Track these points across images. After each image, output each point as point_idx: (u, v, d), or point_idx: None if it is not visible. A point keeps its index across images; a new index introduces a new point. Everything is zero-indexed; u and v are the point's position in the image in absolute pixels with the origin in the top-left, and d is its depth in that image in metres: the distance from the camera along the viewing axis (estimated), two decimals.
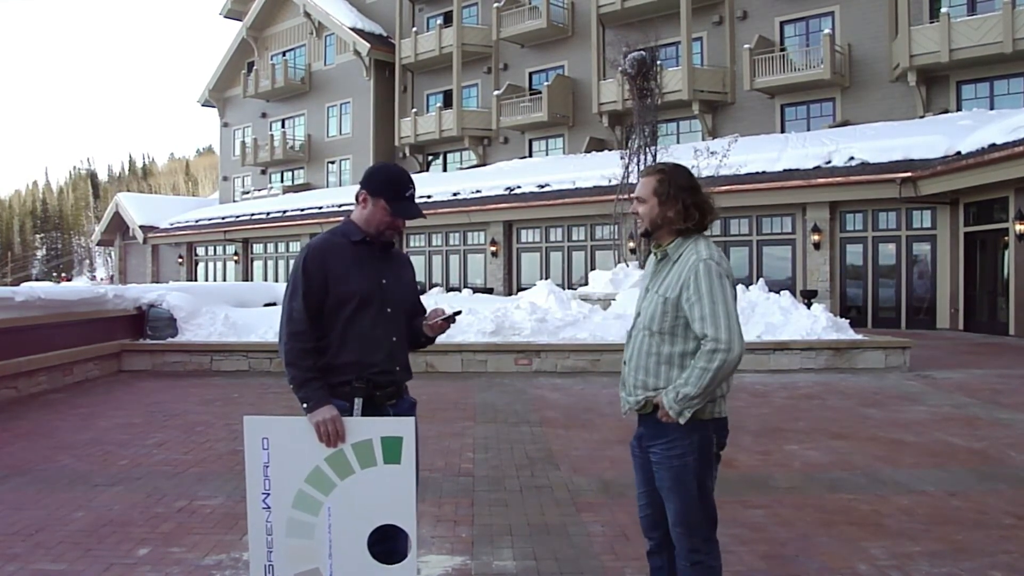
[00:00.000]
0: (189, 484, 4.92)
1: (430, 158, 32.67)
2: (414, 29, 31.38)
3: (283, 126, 36.86)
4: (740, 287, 11.48)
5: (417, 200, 2.73)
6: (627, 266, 15.57)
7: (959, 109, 19.70)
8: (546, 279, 17.19)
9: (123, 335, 10.86)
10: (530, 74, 28.71)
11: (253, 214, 33.13)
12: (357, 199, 2.68)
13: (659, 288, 2.51)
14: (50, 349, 9.01)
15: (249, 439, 2.48)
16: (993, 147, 14.74)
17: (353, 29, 32.48)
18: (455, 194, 25.02)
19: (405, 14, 32.19)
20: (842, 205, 18.43)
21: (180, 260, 37.96)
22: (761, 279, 13.90)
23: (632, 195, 2.67)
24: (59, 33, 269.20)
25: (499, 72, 29.33)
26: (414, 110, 31.47)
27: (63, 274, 79.17)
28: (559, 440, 6.18)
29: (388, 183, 2.65)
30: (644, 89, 16.53)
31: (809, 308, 11.42)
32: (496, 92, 28.36)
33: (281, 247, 32.94)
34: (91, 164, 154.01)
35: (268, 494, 2.46)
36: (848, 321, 11.52)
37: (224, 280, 34.09)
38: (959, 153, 15.83)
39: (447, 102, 30.91)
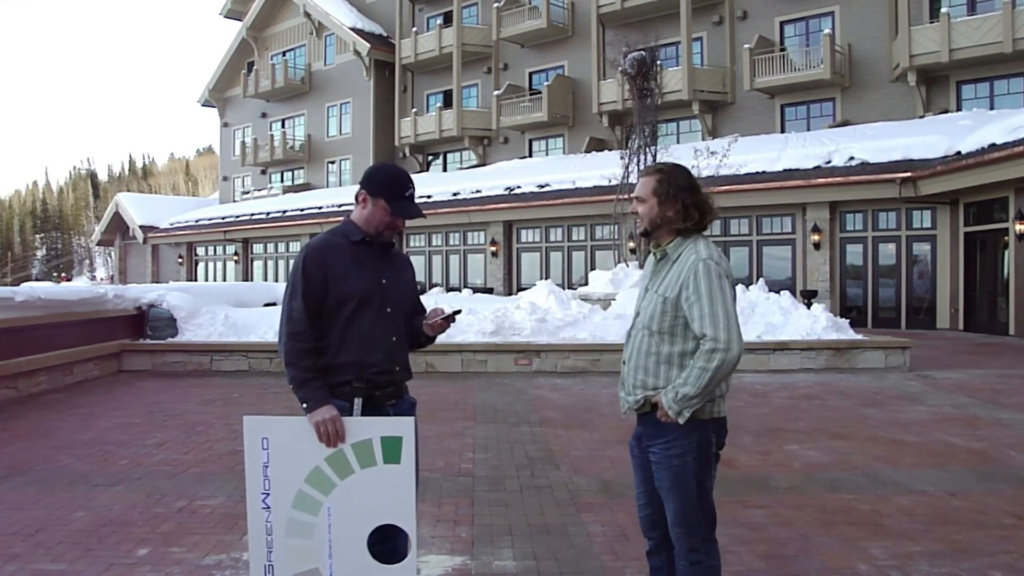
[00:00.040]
0: (189, 484, 4.92)
1: (430, 158, 32.68)
2: (414, 29, 31.39)
3: (283, 126, 36.87)
4: (740, 287, 11.48)
5: (417, 200, 2.73)
6: (627, 266, 15.57)
7: (959, 109, 19.70)
8: (546, 279, 17.18)
9: (123, 335, 10.86)
10: (530, 74, 28.71)
11: (253, 214, 33.13)
12: (357, 199, 2.68)
13: (658, 288, 2.51)
14: (50, 349, 9.01)
15: (249, 439, 2.48)
16: (993, 147, 14.74)
17: (353, 29, 32.49)
18: (455, 194, 25.02)
19: (405, 14, 32.20)
20: (842, 205, 18.43)
21: (180, 260, 37.97)
22: (761, 279, 13.89)
23: (632, 195, 2.67)
24: (59, 33, 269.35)
25: (499, 72, 29.33)
26: (414, 110, 31.48)
27: (63, 274, 79.18)
28: (559, 440, 6.18)
29: (388, 183, 2.65)
30: (644, 89, 16.54)
31: (809, 308, 11.42)
32: (496, 92, 28.36)
33: (281, 247, 32.94)
34: (91, 164, 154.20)
35: (268, 494, 2.46)
36: (848, 321, 11.51)
37: (224, 280, 34.10)
38: (959, 153, 15.83)
39: (447, 102, 30.91)
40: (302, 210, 30.21)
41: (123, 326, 10.90)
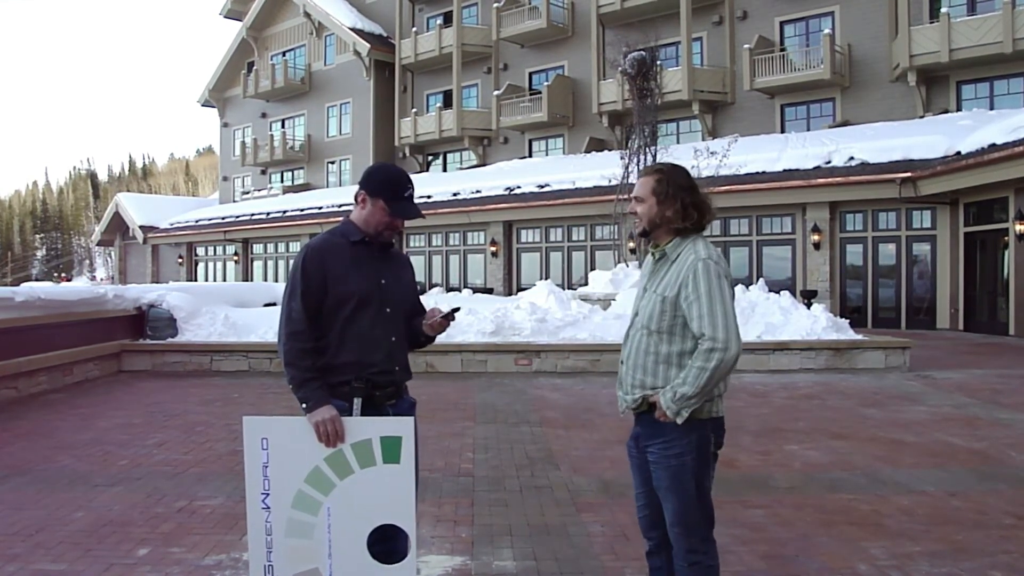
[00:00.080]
0: (189, 484, 4.92)
1: (430, 158, 32.68)
2: (414, 29, 31.39)
3: (283, 126, 36.88)
4: (740, 287, 11.50)
5: (417, 200, 2.73)
6: (627, 266, 15.57)
7: (959, 109, 19.71)
8: (546, 279, 17.20)
9: (123, 335, 10.86)
10: (530, 74, 28.71)
11: (253, 214, 33.14)
12: (356, 199, 2.68)
13: (657, 287, 2.51)
14: (50, 349, 9.01)
15: (248, 439, 2.48)
16: (993, 147, 14.74)
17: (353, 29, 32.49)
18: (455, 194, 25.02)
19: (405, 14, 32.20)
20: (842, 205, 18.43)
21: (180, 260, 37.97)
22: (761, 279, 13.89)
23: (631, 195, 2.67)
24: (59, 33, 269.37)
25: (499, 72, 29.33)
26: (414, 110, 31.48)
27: (63, 274, 79.19)
28: (559, 440, 6.18)
29: (387, 183, 2.65)
30: (644, 89, 16.53)
31: (809, 308, 11.41)
32: (496, 92, 28.36)
33: (281, 247, 32.94)
34: (91, 164, 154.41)
35: (267, 494, 2.46)
36: (848, 321, 11.51)
37: (224, 280, 34.10)
38: (959, 153, 15.83)
39: (447, 102, 30.91)
40: (302, 210, 30.22)
41: (123, 326, 10.90)
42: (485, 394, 8.53)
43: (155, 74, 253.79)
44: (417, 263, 25.61)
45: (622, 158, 16.90)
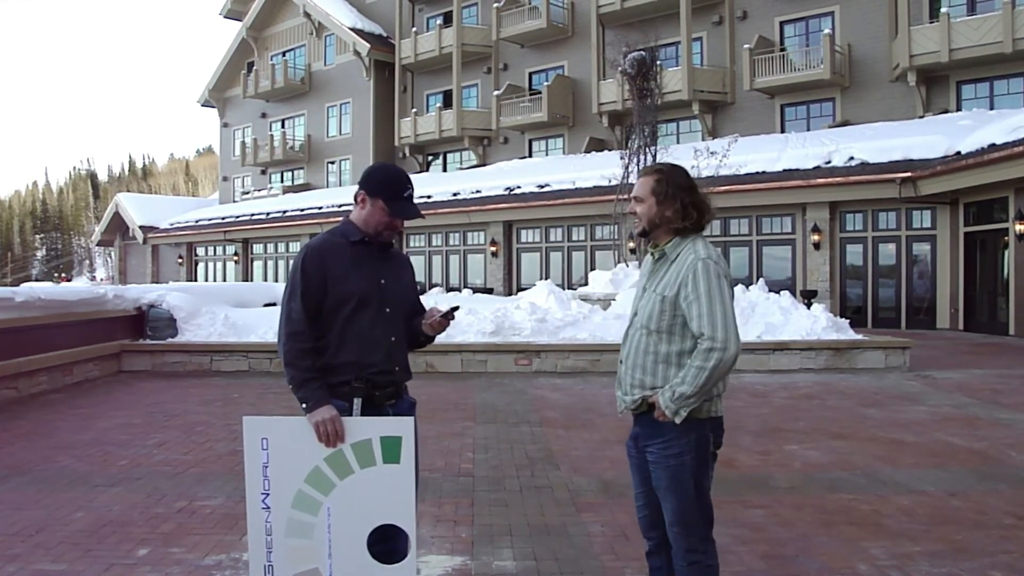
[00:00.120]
0: (189, 484, 4.93)
1: (430, 158, 32.68)
2: (414, 29, 31.39)
3: (283, 126, 36.88)
4: (740, 287, 11.50)
5: (417, 200, 2.73)
6: (627, 266, 15.58)
7: (959, 109, 19.71)
8: (546, 279, 17.20)
9: (123, 335, 10.86)
10: (530, 74, 28.72)
11: (253, 214, 33.14)
12: (355, 199, 2.68)
13: (657, 287, 2.51)
14: (50, 349, 9.01)
15: (248, 439, 2.48)
16: (993, 147, 14.74)
17: (353, 29, 32.49)
18: (455, 194, 25.02)
19: (405, 14, 32.20)
20: (842, 205, 18.43)
21: (180, 260, 37.97)
22: (761, 279, 13.89)
23: (631, 195, 2.67)
24: (59, 33, 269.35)
25: (499, 72, 29.33)
26: (414, 110, 31.48)
27: (63, 274, 79.18)
28: (559, 440, 6.18)
29: (386, 183, 2.65)
30: (644, 89, 16.53)
31: (809, 308, 11.41)
32: (496, 92, 28.36)
33: (281, 247, 32.95)
34: (91, 164, 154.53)
35: (267, 494, 2.46)
36: (848, 321, 11.51)
37: (224, 280, 34.11)
38: (959, 153, 15.83)
39: (447, 102, 30.92)
40: (302, 210, 30.22)
41: (123, 326, 10.90)
42: (485, 394, 8.53)
43: (155, 74, 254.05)
44: (417, 263, 25.61)
45: (622, 158, 16.91)
